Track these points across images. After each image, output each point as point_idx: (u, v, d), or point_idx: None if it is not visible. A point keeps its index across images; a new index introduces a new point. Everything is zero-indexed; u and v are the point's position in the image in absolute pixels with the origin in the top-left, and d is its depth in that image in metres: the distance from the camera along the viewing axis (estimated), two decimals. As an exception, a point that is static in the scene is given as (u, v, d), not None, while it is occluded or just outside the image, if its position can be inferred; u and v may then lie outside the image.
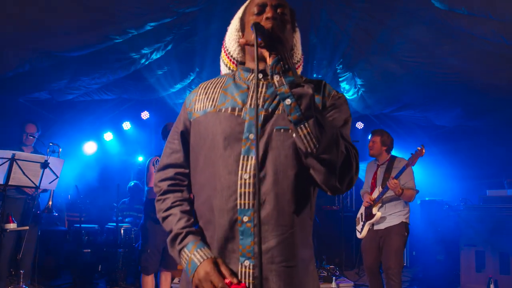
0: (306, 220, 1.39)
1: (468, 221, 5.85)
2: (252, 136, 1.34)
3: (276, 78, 1.25)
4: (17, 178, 4.06)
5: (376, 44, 6.23)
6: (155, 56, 6.22)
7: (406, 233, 4.40)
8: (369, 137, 4.73)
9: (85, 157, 7.89)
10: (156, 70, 6.78)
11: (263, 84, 1.43)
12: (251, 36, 1.32)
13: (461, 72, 6.01)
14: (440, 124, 8.24)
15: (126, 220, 6.57)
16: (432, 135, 8.39)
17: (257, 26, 1.26)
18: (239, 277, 1.30)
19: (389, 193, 4.41)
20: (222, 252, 1.34)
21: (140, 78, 6.88)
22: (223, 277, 1.29)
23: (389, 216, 4.42)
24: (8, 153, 4.01)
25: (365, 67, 6.97)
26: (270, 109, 1.38)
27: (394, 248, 4.30)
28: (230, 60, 1.57)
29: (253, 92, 1.42)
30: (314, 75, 7.44)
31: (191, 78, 7.34)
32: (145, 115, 8.51)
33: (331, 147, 1.24)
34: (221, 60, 1.64)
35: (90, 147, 7.96)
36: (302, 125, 1.23)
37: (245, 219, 1.31)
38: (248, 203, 1.30)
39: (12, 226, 4.21)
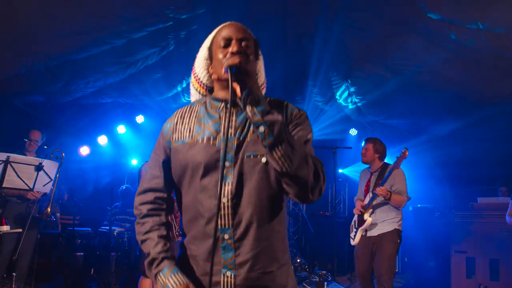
0: (280, 230, 1.54)
1: (459, 228, 5.91)
2: (227, 163, 1.48)
3: (248, 108, 1.38)
4: (11, 180, 4.07)
5: (370, 53, 6.30)
6: (151, 60, 6.26)
7: (398, 240, 4.42)
8: (362, 144, 4.77)
9: (79, 160, 7.88)
10: (152, 75, 6.81)
11: (232, 112, 1.54)
12: (221, 70, 1.51)
13: (453, 81, 6.09)
14: (433, 131, 8.32)
15: (116, 223, 6.56)
16: (425, 142, 8.46)
17: (231, 69, 1.38)
18: (222, 286, 1.45)
19: (379, 199, 4.46)
20: (206, 264, 1.47)
21: (136, 82, 6.91)
22: None
23: (382, 223, 4.45)
24: (2, 156, 4.02)
25: (359, 75, 7.04)
26: (241, 138, 1.51)
27: (386, 255, 4.33)
28: (200, 85, 1.69)
29: (224, 121, 1.54)
30: (310, 82, 7.51)
31: (186, 83, 7.38)
32: (140, 119, 8.53)
33: (302, 164, 1.39)
34: (191, 85, 1.75)
35: (84, 150, 7.96)
36: (276, 148, 1.36)
37: (226, 236, 1.45)
38: (228, 223, 1.45)
39: (5, 228, 4.22)
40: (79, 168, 7.69)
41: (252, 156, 1.48)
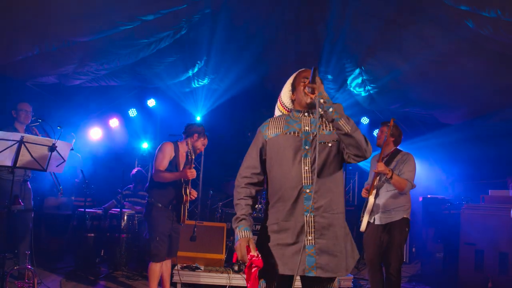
0: (340, 190, 2.41)
1: (469, 220, 5.88)
2: (307, 147, 2.34)
3: (321, 100, 2.25)
4: (25, 161, 4.09)
5: (385, 41, 6.21)
6: (164, 43, 6.22)
7: (407, 229, 4.40)
8: (377, 131, 4.74)
9: (91, 142, 7.93)
10: (165, 58, 6.78)
11: (308, 118, 2.44)
12: (302, 95, 2.43)
13: (468, 71, 5.99)
14: (445, 122, 8.23)
15: (127, 205, 6.62)
16: (437, 132, 8.39)
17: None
18: (305, 224, 2.26)
19: (390, 187, 4.42)
20: (293, 209, 2.29)
21: (148, 66, 6.89)
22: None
23: (390, 211, 4.41)
24: (17, 135, 4.04)
25: (373, 63, 6.96)
26: (314, 132, 2.37)
27: (395, 244, 4.32)
28: (284, 108, 2.61)
29: (303, 123, 2.43)
30: (322, 68, 7.43)
31: (199, 67, 7.36)
32: (151, 102, 8.53)
33: (357, 130, 2.26)
34: (276, 108, 2.68)
35: (96, 133, 7.99)
36: (341, 119, 2.22)
37: (307, 190, 2.29)
38: (308, 182, 2.29)
39: (19, 207, 4.28)
40: (90, 150, 7.74)
41: (322, 143, 2.35)
